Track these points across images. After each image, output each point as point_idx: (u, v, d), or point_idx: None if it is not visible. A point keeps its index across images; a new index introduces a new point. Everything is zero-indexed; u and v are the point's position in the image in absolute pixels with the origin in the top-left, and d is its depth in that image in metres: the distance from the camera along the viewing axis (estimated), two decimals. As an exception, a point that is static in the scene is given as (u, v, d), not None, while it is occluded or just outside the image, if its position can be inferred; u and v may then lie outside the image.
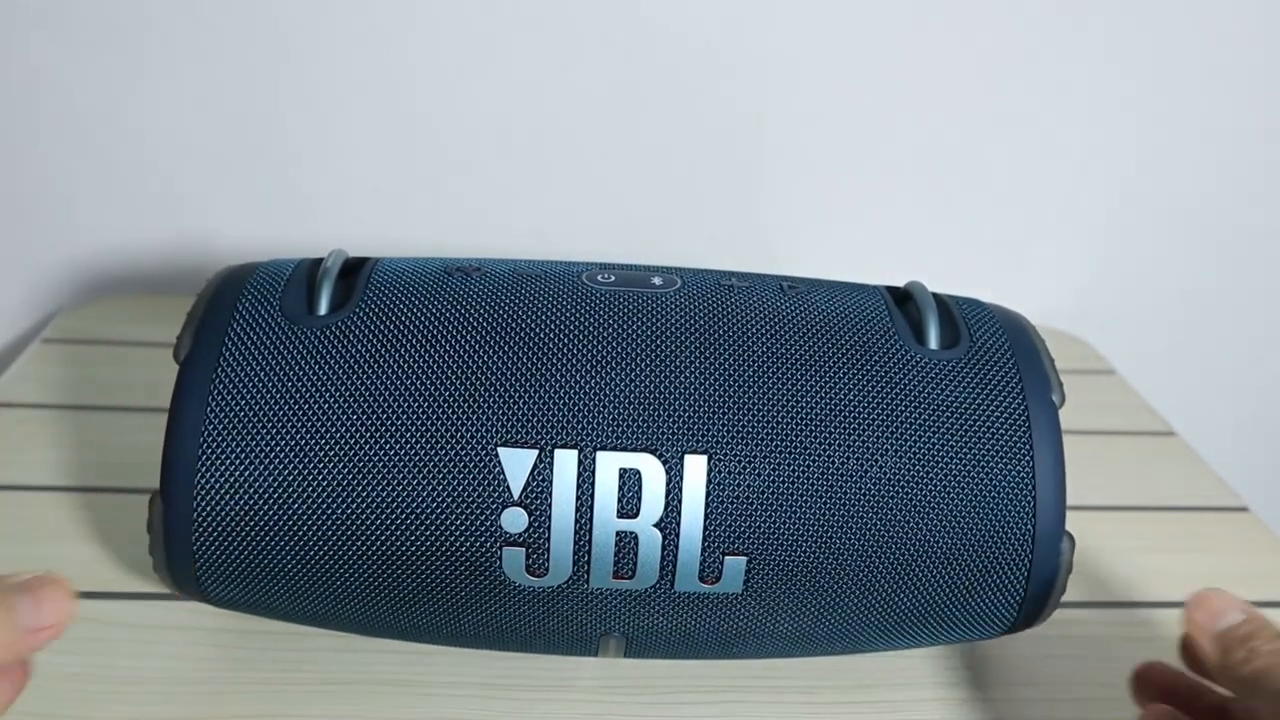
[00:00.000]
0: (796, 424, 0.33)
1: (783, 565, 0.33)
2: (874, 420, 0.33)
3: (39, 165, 0.60)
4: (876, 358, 0.34)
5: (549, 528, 0.32)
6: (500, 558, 0.32)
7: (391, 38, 0.58)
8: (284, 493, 0.32)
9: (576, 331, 0.33)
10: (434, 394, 0.32)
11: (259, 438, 0.32)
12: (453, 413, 0.32)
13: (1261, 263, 0.69)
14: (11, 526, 0.44)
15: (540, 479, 0.32)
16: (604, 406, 0.32)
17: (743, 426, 0.32)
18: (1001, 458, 0.33)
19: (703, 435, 0.32)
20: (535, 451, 0.32)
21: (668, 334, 0.34)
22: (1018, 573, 0.34)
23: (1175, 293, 0.70)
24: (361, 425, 0.32)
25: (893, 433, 0.33)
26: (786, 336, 0.34)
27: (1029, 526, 0.33)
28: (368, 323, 0.34)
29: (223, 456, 0.32)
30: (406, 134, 0.61)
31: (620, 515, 0.32)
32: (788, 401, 0.33)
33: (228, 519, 0.32)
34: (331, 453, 0.32)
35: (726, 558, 0.32)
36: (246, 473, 0.32)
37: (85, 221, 0.62)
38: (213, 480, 0.32)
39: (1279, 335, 0.72)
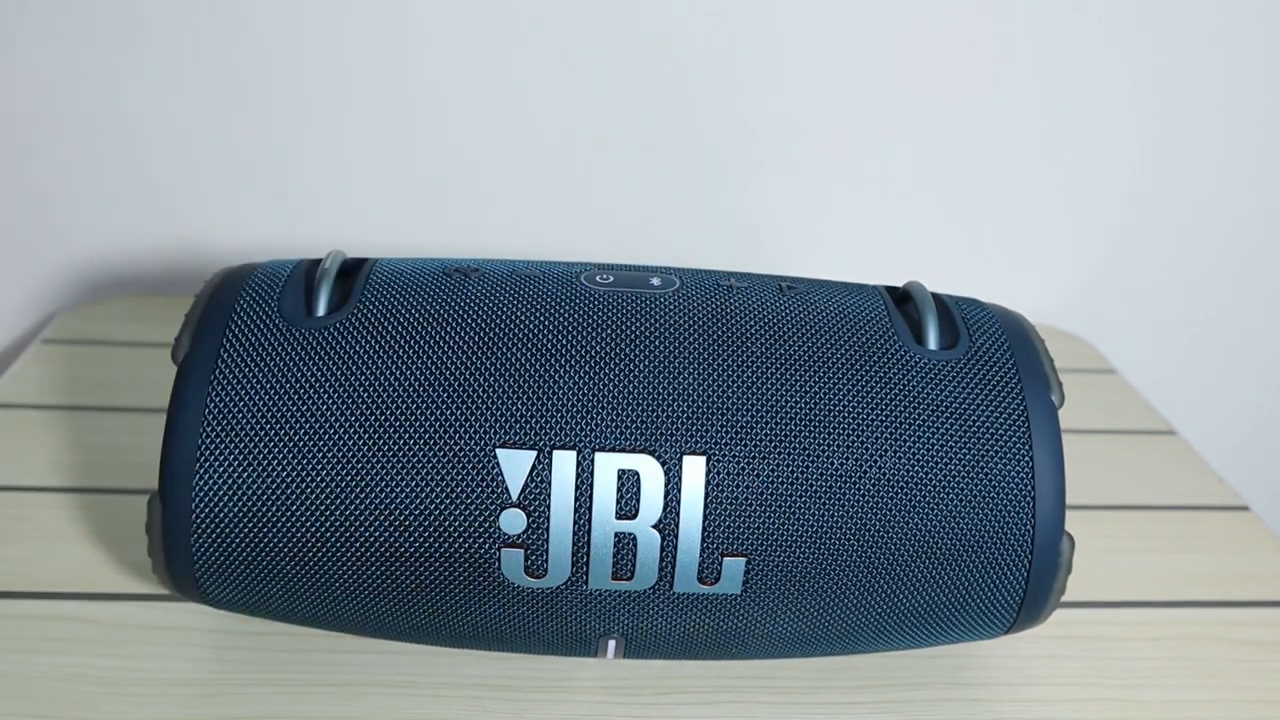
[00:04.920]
0: (795, 425, 0.33)
1: (782, 566, 0.33)
2: (873, 421, 0.33)
3: (38, 166, 0.60)
4: (875, 358, 0.34)
5: (547, 529, 0.32)
6: (499, 559, 0.32)
7: (389, 40, 0.58)
8: (282, 494, 0.32)
9: (575, 332, 0.33)
10: (432, 395, 0.32)
11: (257, 439, 0.32)
12: (451, 414, 0.32)
13: (1262, 261, 0.69)
14: (11, 527, 0.44)
15: (539, 480, 0.32)
16: (602, 407, 0.32)
17: (741, 427, 0.32)
18: (1000, 458, 0.33)
19: (701, 436, 0.32)
20: (533, 453, 0.32)
21: (666, 335, 0.34)
22: (1017, 573, 0.34)
23: (1176, 291, 0.70)
24: (359, 427, 0.32)
25: (891, 433, 0.33)
26: (785, 337, 0.34)
27: (1028, 526, 0.33)
28: (366, 324, 0.33)
29: (221, 458, 0.32)
30: (405, 135, 0.61)
31: (619, 516, 0.32)
32: (786, 402, 0.33)
33: (226, 520, 0.32)
34: (329, 454, 0.32)
35: (725, 559, 0.32)
36: (244, 474, 0.32)
37: (85, 222, 0.62)
38: (211, 481, 0.32)
39: (1279, 333, 0.72)
